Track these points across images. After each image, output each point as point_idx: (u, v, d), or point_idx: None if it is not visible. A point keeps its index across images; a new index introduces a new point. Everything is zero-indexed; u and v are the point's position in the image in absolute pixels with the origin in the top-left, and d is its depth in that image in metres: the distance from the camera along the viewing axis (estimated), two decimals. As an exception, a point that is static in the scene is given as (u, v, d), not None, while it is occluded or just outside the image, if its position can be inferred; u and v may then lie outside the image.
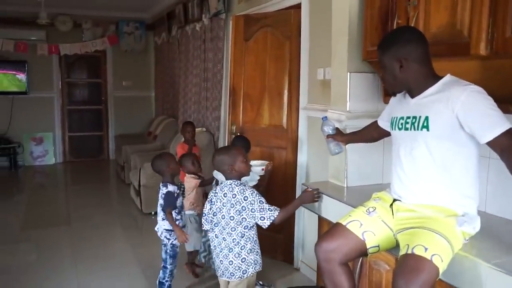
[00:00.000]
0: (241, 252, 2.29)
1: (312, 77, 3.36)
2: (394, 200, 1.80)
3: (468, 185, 1.66)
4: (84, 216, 5.04)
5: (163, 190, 2.85)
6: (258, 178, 3.03)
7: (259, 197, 2.27)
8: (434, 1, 1.90)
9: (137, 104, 8.55)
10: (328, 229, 1.90)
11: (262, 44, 3.85)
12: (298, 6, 3.50)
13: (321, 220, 2.50)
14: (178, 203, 2.90)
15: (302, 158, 3.50)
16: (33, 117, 7.81)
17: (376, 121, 2.15)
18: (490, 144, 1.52)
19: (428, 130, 1.65)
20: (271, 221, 2.25)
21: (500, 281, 1.39)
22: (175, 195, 2.87)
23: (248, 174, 2.46)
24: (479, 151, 1.66)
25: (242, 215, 2.25)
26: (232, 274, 2.30)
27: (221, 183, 2.37)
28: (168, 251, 2.91)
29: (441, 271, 1.48)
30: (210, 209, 2.37)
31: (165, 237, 2.90)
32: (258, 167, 3.06)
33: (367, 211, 1.81)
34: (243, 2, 4.39)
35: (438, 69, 1.76)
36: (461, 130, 1.58)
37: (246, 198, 2.25)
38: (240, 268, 2.29)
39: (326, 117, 2.37)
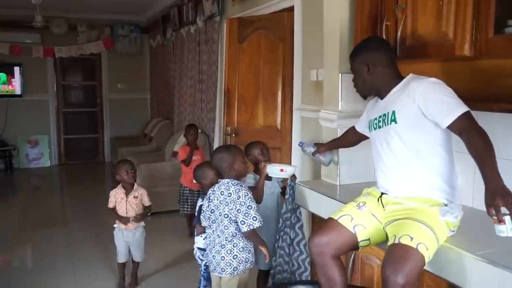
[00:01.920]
0: (233, 249, 2.34)
1: (305, 78, 3.42)
2: (382, 194, 1.87)
3: (445, 171, 1.75)
4: (81, 217, 5.07)
5: (198, 203, 2.78)
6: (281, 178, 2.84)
7: (250, 202, 2.30)
8: (421, 4, 1.97)
9: (132, 107, 8.58)
10: (320, 224, 1.96)
11: (256, 46, 3.91)
12: (291, 9, 3.57)
13: (315, 217, 2.56)
14: None
15: (296, 158, 3.56)
16: (28, 120, 7.81)
17: (353, 127, 2.31)
18: (450, 127, 1.64)
19: (396, 122, 1.79)
20: (248, 229, 2.28)
21: (484, 271, 1.46)
22: None
23: (245, 175, 2.50)
24: (448, 137, 1.75)
25: (233, 213, 2.31)
26: (223, 270, 2.35)
27: (219, 181, 2.42)
28: (202, 272, 2.80)
29: (426, 259, 1.55)
30: (208, 206, 2.41)
31: (198, 257, 2.80)
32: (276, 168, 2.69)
33: (358, 205, 1.88)
34: (237, 5, 4.46)
35: (424, 70, 1.83)
36: (425, 118, 1.71)
37: (238, 198, 2.29)
38: (231, 265, 2.34)
39: (301, 142, 2.66)
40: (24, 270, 3.73)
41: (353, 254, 2.16)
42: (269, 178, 2.77)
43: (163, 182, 5.01)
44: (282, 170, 2.65)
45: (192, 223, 4.25)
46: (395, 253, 1.55)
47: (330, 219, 1.88)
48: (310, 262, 2.51)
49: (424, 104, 1.68)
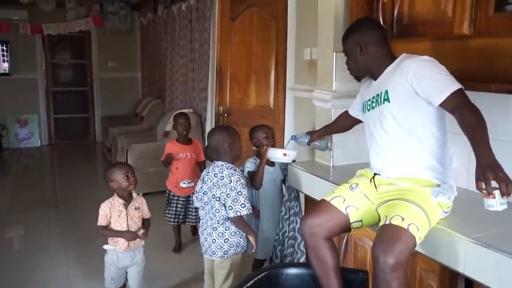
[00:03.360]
0: (225, 232, 2.32)
1: (299, 57, 3.36)
2: (375, 174, 1.86)
3: (438, 150, 1.73)
4: (71, 198, 5.03)
5: None
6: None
7: (241, 188, 2.26)
8: (419, -20, 1.91)
9: (123, 85, 8.45)
10: (313, 206, 1.94)
11: (248, 24, 3.83)
12: (284, -15, 3.48)
13: (308, 199, 2.54)
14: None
15: (289, 138, 3.51)
16: (17, 99, 7.68)
17: (346, 112, 2.29)
18: (443, 105, 1.62)
19: (389, 102, 1.77)
20: (235, 215, 2.23)
21: (479, 255, 1.45)
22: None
23: (240, 157, 2.46)
24: (442, 116, 1.73)
25: (223, 197, 2.27)
26: (213, 253, 2.33)
27: (214, 163, 2.37)
28: None
29: (418, 240, 1.53)
30: (201, 188, 2.38)
31: None
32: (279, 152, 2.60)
33: (350, 187, 1.86)
34: (229, -19, 4.34)
35: (421, 49, 1.79)
36: (418, 97, 1.69)
37: (230, 182, 2.25)
38: (222, 248, 2.32)
39: (293, 135, 2.59)
40: (15, 251, 3.70)
41: (345, 236, 2.15)
42: (271, 164, 2.72)
43: (155, 163, 4.94)
44: (285, 155, 2.56)
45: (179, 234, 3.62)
46: (385, 233, 1.54)
47: (323, 200, 1.86)
48: (304, 246, 2.49)
49: (417, 82, 1.66)
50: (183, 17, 5.71)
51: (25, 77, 7.75)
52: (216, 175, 2.30)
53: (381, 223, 1.62)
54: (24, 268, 3.30)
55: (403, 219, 1.53)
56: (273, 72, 3.67)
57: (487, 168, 1.36)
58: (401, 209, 1.59)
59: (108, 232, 2.48)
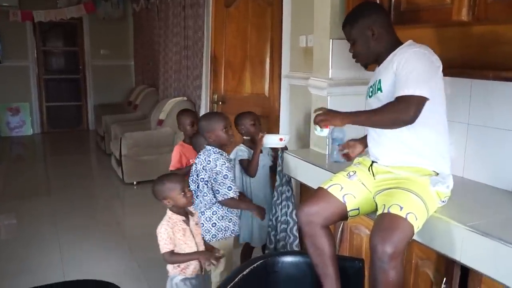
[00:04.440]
0: (212, 217, 2.35)
1: (294, 45, 3.33)
2: (372, 162, 1.84)
3: (435, 140, 1.71)
4: (64, 186, 4.99)
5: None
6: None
7: (227, 171, 2.29)
8: (418, -34, 1.88)
9: (116, 73, 8.37)
10: (310, 194, 1.93)
11: (243, 11, 3.79)
12: (280, -29, 3.44)
13: (303, 187, 2.53)
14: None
15: (284, 126, 3.50)
16: (8, 87, 7.58)
17: None
18: None
19: (381, 91, 1.75)
20: (222, 198, 2.28)
21: (476, 243, 1.44)
22: None
23: (227, 144, 2.43)
24: (438, 107, 1.68)
25: (210, 181, 2.30)
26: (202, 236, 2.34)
27: (205, 147, 2.38)
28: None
29: (415, 229, 1.53)
30: (195, 170, 2.39)
31: None
32: (274, 137, 2.63)
33: (348, 175, 1.84)
34: (223, -33, 4.28)
35: (418, 36, 1.77)
36: None
37: (215, 166, 2.28)
38: (210, 232, 2.34)
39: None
40: (8, 240, 3.67)
41: (341, 224, 2.14)
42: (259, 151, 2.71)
43: (150, 151, 4.94)
44: (281, 139, 2.59)
45: None
46: (384, 222, 1.53)
47: (320, 188, 1.85)
48: (297, 230, 2.50)
49: (397, 72, 1.64)
50: (177, 3, 5.64)
51: (16, 65, 7.65)
52: (205, 159, 2.33)
53: (379, 212, 1.61)
54: (18, 256, 3.27)
55: (401, 208, 1.52)
56: (268, 60, 3.64)
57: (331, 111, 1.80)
58: (400, 198, 1.58)
59: (182, 257, 2.06)
